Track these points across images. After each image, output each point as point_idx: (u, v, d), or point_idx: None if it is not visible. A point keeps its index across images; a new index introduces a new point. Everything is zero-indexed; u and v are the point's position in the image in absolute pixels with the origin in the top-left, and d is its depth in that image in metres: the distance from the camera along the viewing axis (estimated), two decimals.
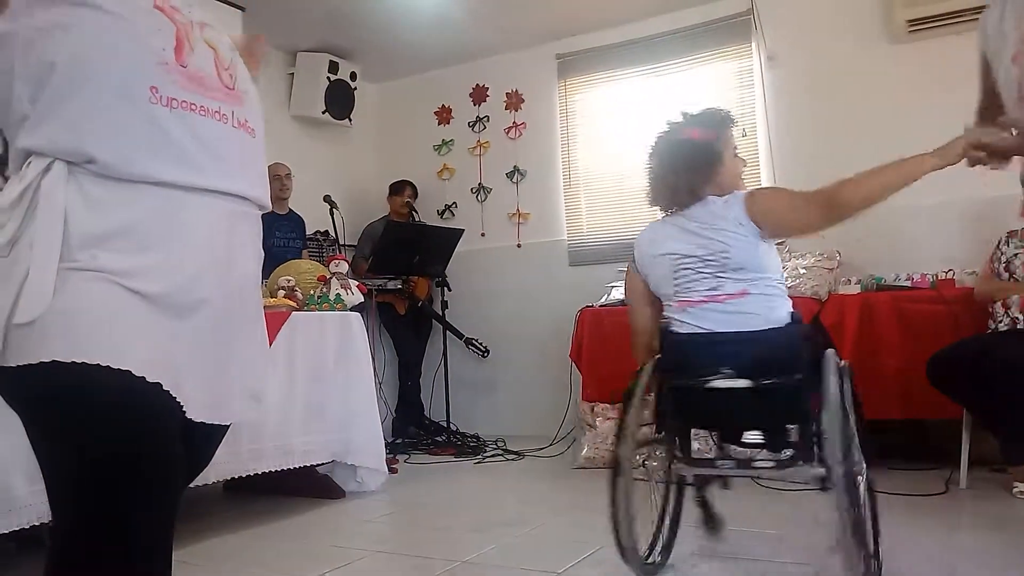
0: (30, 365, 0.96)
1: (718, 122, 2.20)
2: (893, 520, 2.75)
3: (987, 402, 2.94)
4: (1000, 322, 3.18)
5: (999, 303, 3.20)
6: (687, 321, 2.09)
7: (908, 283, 3.71)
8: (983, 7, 2.09)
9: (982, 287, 3.33)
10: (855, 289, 3.70)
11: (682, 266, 2.11)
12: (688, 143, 2.17)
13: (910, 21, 4.08)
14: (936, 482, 3.21)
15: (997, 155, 1.88)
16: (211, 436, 1.19)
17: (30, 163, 1.03)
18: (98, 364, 0.97)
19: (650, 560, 2.15)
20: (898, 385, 3.37)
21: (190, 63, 1.11)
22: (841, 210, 2.03)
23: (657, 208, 2.26)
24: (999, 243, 3.36)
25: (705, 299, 2.07)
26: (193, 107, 1.09)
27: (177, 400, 1.05)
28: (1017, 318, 3.11)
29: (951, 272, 3.68)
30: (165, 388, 1.03)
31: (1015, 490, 2.91)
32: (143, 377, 1.00)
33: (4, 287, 0.98)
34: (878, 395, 3.31)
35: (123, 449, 0.99)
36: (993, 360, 2.88)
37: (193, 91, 1.10)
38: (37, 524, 2.19)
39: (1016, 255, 3.24)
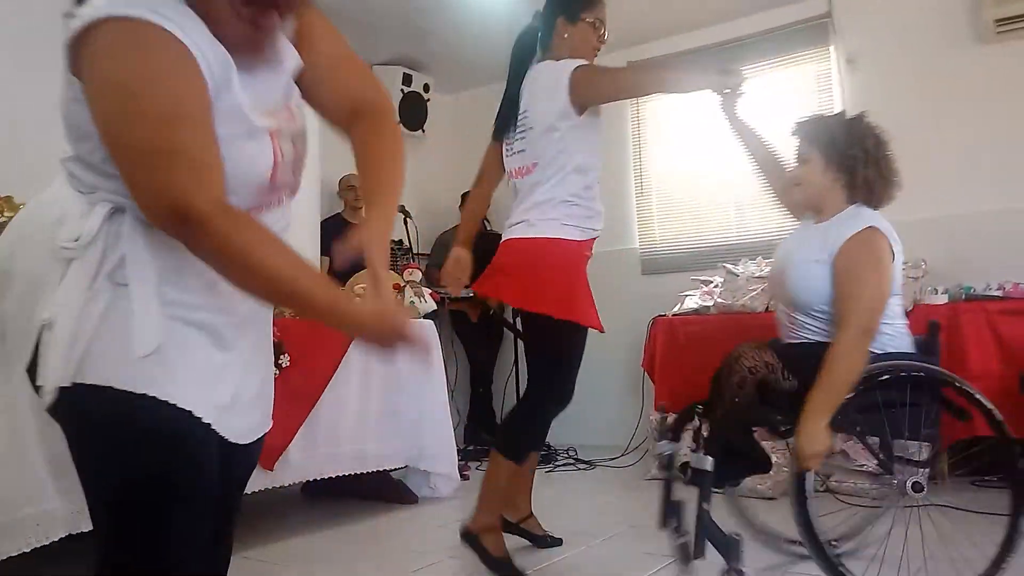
0: (96, 386, 0.99)
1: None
2: (982, 539, 2.63)
3: None
4: None
5: None
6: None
7: (999, 292, 3.54)
8: None
9: None
10: (942, 299, 3.55)
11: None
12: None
13: (998, 20, 3.90)
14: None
15: None
16: (252, 448, 1.21)
17: (99, 199, 1.03)
18: (155, 397, 1.00)
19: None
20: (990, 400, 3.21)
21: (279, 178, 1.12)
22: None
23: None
24: None
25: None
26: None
27: (208, 424, 1.07)
28: None
29: None
30: (212, 426, 1.07)
31: None
32: (190, 411, 1.03)
33: (87, 319, 1.00)
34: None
35: (166, 476, 1.02)
36: None
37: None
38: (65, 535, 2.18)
39: None
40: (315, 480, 3.11)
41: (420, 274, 3.96)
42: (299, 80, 1.17)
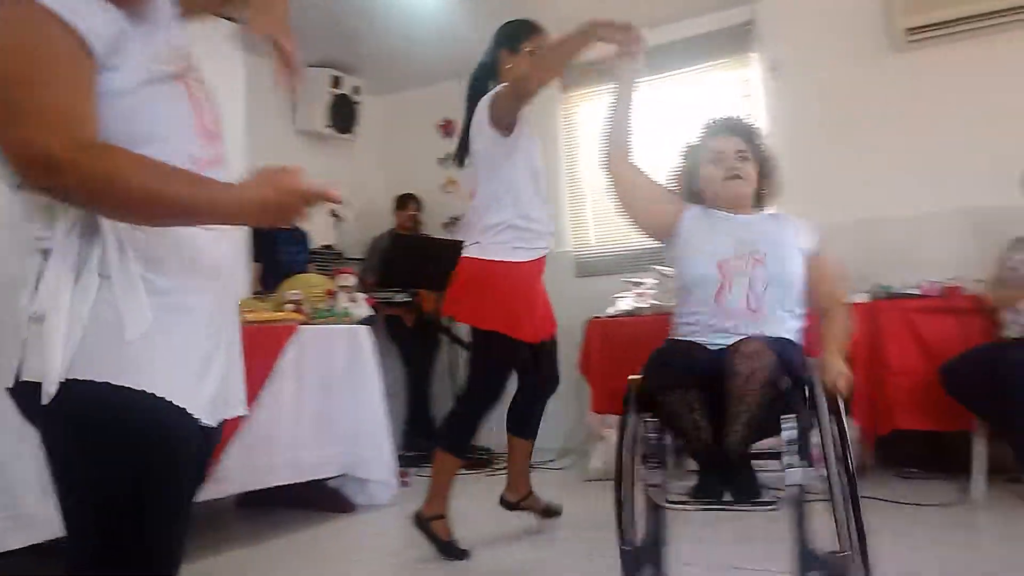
0: (92, 382, 0.99)
1: (701, 130, 2.34)
2: (907, 530, 2.75)
3: (1002, 410, 2.93)
4: (1010, 329, 3.17)
5: (1011, 310, 3.19)
6: None
7: (916, 291, 3.70)
8: (982, 14, 2.18)
9: (998, 294, 3.31)
10: (864, 298, 3.69)
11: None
12: (680, 156, 2.38)
13: (909, 29, 4.06)
14: (950, 492, 3.20)
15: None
16: (213, 435, 1.21)
17: None
18: (153, 394, 1.01)
19: None
20: (906, 395, 3.36)
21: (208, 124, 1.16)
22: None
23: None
24: (1007, 250, 3.36)
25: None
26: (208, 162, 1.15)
27: (197, 419, 1.08)
28: None
29: (959, 280, 3.68)
30: (189, 411, 1.06)
31: None
32: (171, 401, 1.03)
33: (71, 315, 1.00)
34: (887, 405, 3.31)
35: (149, 472, 1.03)
36: (1008, 367, 2.87)
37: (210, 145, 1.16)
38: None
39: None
40: (249, 491, 3.04)
41: (354, 279, 3.91)
42: None
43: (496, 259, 2.70)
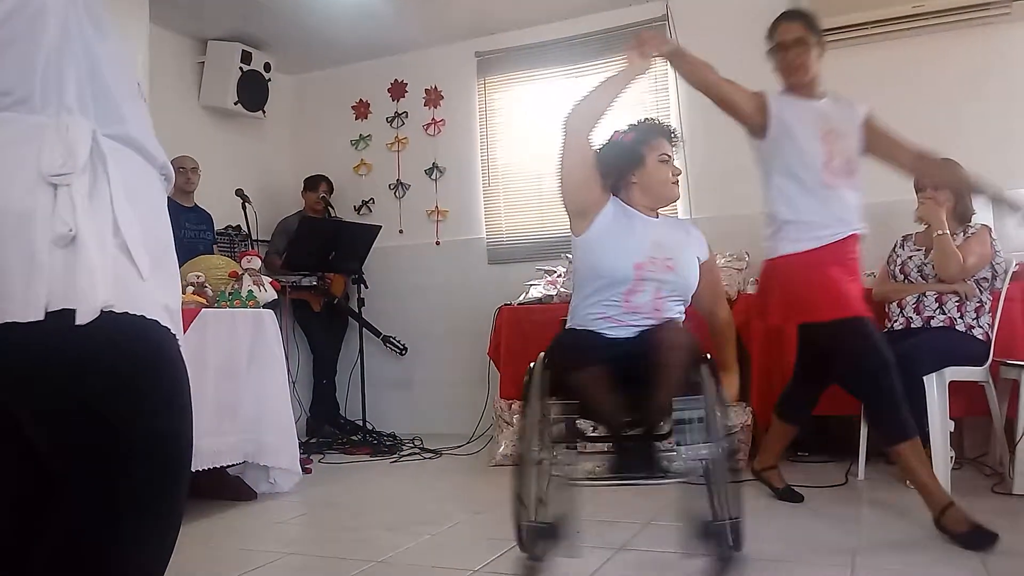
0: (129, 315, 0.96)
1: (647, 130, 2.38)
2: (796, 510, 2.88)
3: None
4: (895, 322, 3.35)
5: (895, 304, 3.37)
6: None
7: None
8: (881, 20, 2.32)
9: (879, 288, 3.49)
10: None
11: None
12: (614, 144, 2.38)
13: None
14: (836, 474, 3.37)
15: None
16: None
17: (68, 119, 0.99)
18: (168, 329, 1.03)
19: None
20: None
21: None
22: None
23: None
24: (895, 246, 3.53)
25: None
26: None
27: None
28: (911, 318, 3.28)
29: None
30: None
31: (908, 481, 3.08)
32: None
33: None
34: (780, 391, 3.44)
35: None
36: None
37: None
38: None
39: (911, 257, 3.42)
40: None
41: (259, 261, 3.80)
42: None
43: (784, 254, 2.72)
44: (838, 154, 2.65)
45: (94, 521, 0.93)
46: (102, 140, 0.99)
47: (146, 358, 0.98)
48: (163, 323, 1.01)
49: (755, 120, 2.72)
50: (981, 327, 3.18)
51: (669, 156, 2.37)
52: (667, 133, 2.41)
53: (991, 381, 3.17)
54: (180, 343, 1.05)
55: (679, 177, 2.41)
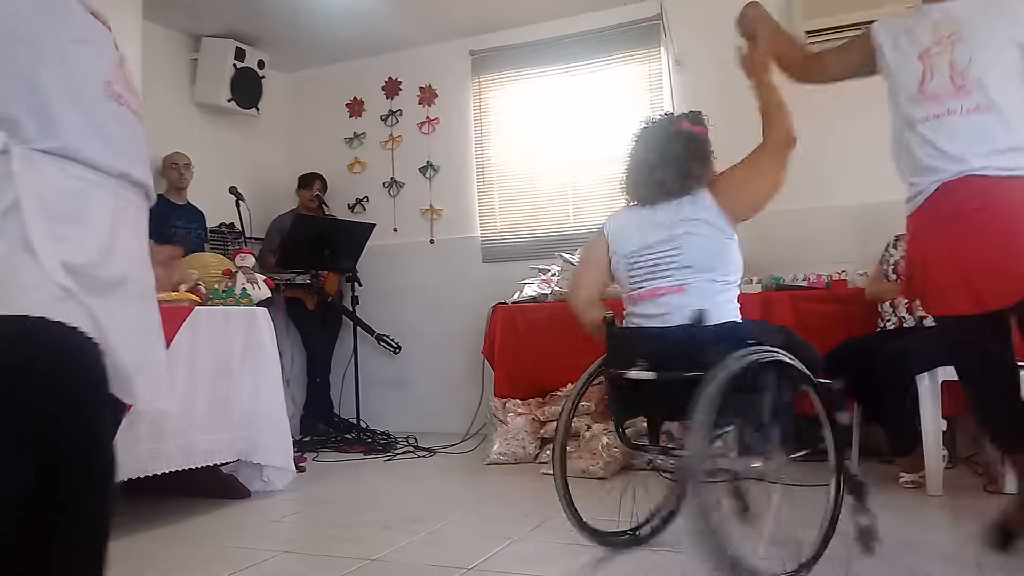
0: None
1: (704, 122, 2.37)
2: (791, 509, 2.89)
3: (875, 397, 3.11)
4: (888, 321, 3.36)
5: (887, 303, 3.39)
6: (632, 311, 2.20)
7: (805, 283, 3.88)
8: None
9: (872, 288, 3.51)
10: (756, 288, 3.85)
11: (636, 262, 2.19)
12: (687, 134, 2.25)
13: (809, 32, 4.25)
14: (829, 473, 3.37)
15: None
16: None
17: None
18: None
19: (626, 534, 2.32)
20: None
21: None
22: (789, 146, 2.37)
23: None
24: (888, 246, 3.55)
25: (646, 294, 2.14)
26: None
27: None
28: (903, 317, 3.30)
29: (844, 273, 3.87)
30: None
31: (901, 480, 3.09)
32: None
33: None
34: None
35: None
36: (880, 357, 3.04)
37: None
38: None
39: (903, 258, 3.43)
40: (136, 477, 2.92)
41: (253, 259, 3.80)
42: None
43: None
44: (939, 69, 2.05)
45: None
46: None
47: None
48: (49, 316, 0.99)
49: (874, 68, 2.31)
50: None
51: None
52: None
53: None
54: (86, 316, 1.03)
55: None
